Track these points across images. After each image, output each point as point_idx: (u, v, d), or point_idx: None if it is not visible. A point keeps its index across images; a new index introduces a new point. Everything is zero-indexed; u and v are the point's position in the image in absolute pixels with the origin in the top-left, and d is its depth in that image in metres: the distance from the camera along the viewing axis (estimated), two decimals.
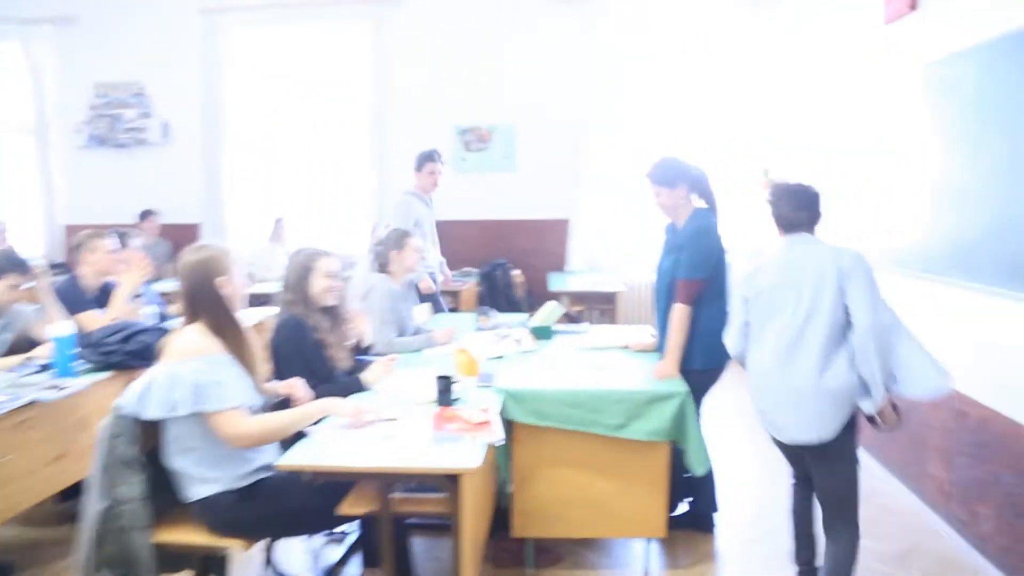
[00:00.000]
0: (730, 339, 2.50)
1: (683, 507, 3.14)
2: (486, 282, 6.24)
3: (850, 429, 2.26)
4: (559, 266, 6.61)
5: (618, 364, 3.05)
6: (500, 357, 3.21)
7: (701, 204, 2.98)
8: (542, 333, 3.52)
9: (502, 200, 6.68)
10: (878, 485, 3.62)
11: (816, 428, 2.20)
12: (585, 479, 2.71)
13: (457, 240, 6.65)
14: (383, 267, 3.55)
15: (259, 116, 6.97)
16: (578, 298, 5.73)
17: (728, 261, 2.92)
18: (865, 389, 2.18)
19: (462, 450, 2.10)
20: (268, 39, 6.93)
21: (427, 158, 4.77)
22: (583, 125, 6.39)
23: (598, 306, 5.80)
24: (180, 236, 6.28)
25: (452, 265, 6.45)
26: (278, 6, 6.68)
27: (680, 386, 2.69)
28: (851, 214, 4.20)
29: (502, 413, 2.64)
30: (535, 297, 6.33)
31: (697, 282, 2.80)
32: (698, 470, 2.69)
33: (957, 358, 2.48)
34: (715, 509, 3.13)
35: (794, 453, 2.42)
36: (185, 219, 7.00)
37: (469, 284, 5.90)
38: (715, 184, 3.00)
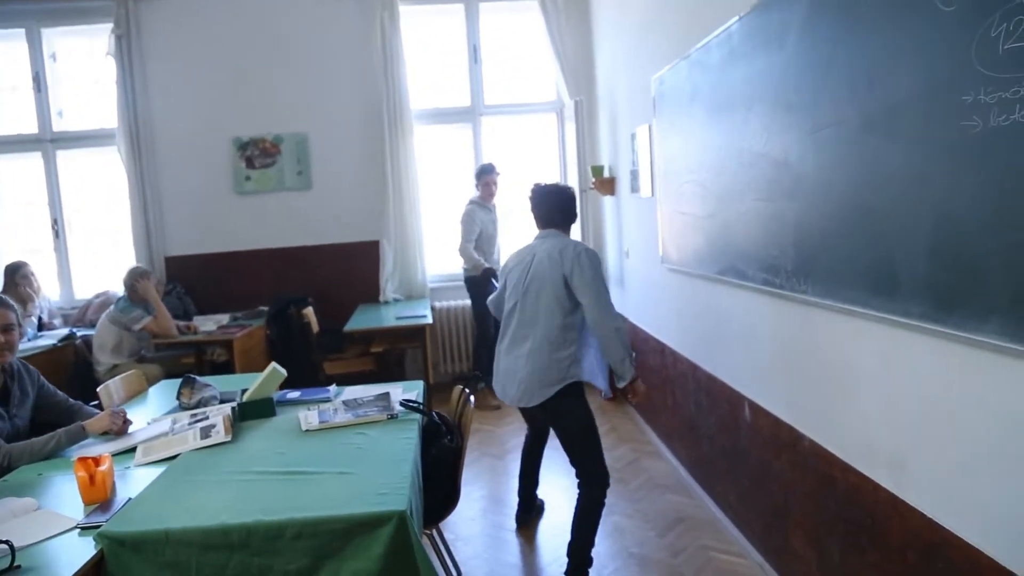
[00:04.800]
0: None
1: None
2: (276, 325, 5.11)
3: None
4: (372, 296, 5.59)
5: (337, 460, 2.05)
6: (173, 458, 2.15)
7: None
8: (255, 411, 2.47)
9: (297, 223, 5.59)
10: (732, 561, 2.83)
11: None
12: None
13: (244, 276, 5.50)
14: None
15: None
16: (387, 336, 4.73)
17: None
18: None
19: None
20: None
21: (482, 171, 5.15)
22: (389, 126, 5.41)
23: (407, 344, 4.83)
24: None
25: (237, 306, 5.30)
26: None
27: (398, 502, 1.73)
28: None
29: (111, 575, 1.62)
30: (339, 338, 5.27)
31: None
32: None
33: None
34: None
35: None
36: None
37: (250, 328, 4.76)
38: None
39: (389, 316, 4.93)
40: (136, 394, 3.10)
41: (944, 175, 1.54)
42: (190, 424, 2.37)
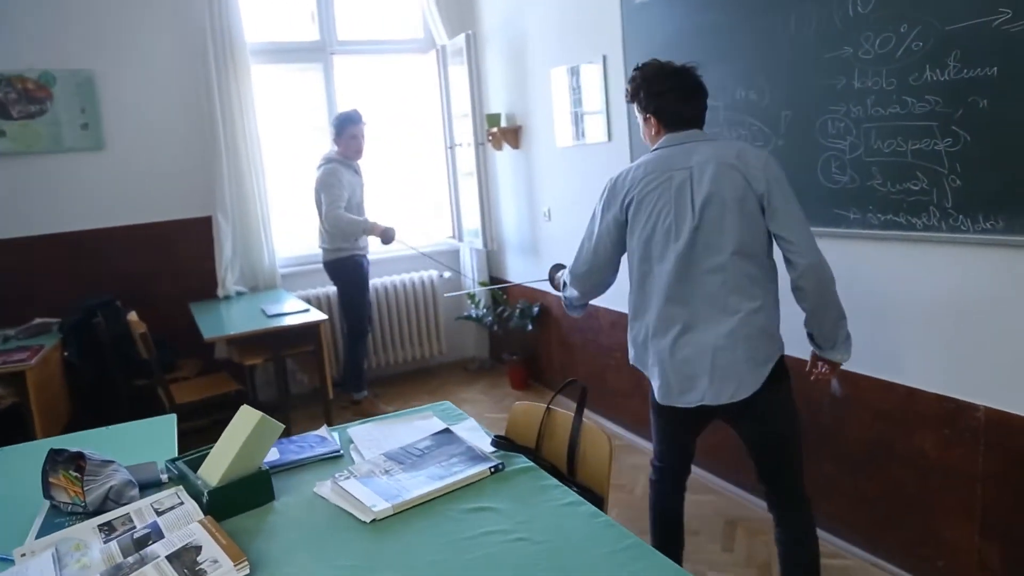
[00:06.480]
0: None
1: None
2: (76, 341, 3.58)
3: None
4: (205, 292, 4.22)
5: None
6: None
7: None
8: (244, 498, 1.38)
9: (85, 198, 4.01)
10: None
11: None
12: None
13: (4, 278, 3.83)
14: None
15: None
16: (253, 343, 3.51)
17: None
18: None
19: None
20: None
21: (346, 120, 3.99)
22: (216, 63, 4.06)
23: (293, 350, 3.64)
24: None
25: (10, 319, 3.66)
26: None
27: None
28: None
29: None
30: (181, 352, 3.90)
31: None
32: None
33: None
34: None
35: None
36: None
37: (44, 351, 3.22)
38: None
39: (247, 314, 3.72)
40: None
41: None
42: (130, 556, 1.21)
